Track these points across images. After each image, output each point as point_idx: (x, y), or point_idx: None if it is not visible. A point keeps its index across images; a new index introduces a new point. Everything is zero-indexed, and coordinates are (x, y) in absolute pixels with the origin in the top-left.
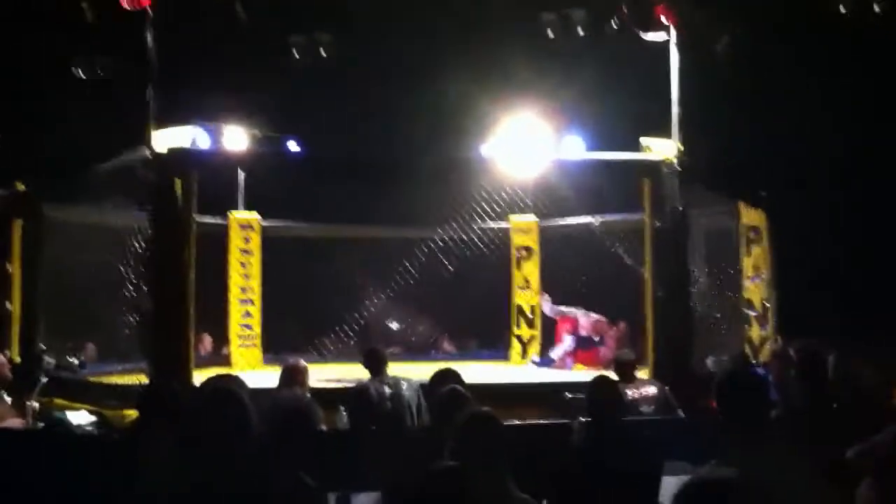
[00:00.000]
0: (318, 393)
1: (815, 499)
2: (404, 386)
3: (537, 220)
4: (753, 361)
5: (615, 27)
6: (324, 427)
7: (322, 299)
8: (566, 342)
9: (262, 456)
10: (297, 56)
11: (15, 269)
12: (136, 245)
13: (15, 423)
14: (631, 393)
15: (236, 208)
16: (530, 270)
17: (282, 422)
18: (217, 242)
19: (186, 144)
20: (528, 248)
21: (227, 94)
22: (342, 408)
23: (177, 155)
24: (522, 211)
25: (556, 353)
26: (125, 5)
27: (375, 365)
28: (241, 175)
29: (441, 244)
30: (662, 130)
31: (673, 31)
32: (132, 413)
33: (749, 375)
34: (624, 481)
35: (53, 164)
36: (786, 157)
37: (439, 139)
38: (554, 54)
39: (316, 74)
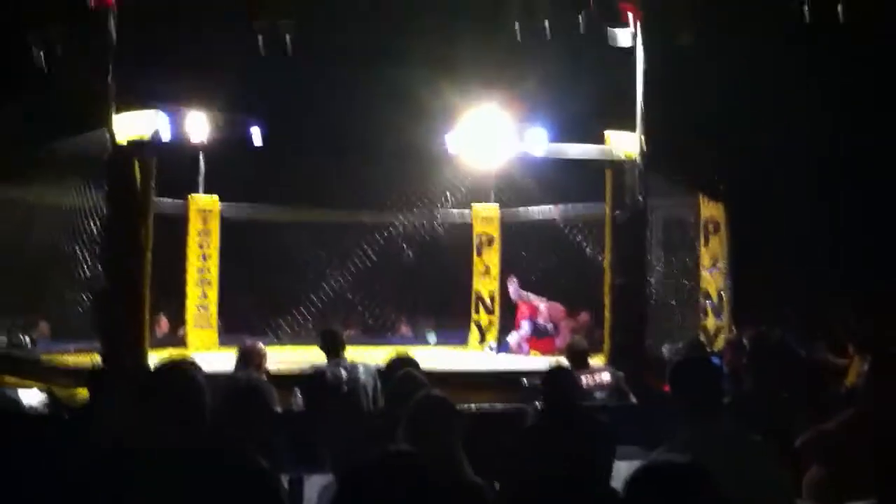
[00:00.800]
0: (274, 375)
1: (764, 484)
2: (361, 370)
3: (499, 208)
4: (708, 349)
5: (581, 20)
6: (279, 409)
7: (280, 282)
8: (523, 328)
9: (216, 436)
10: (260, 39)
11: None
12: (94, 225)
13: None
14: (586, 380)
15: (197, 191)
16: (491, 258)
17: (236, 402)
18: (176, 224)
19: (147, 130)
20: (489, 236)
21: (189, 76)
22: (297, 390)
23: (136, 139)
24: (485, 199)
25: (512, 340)
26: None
27: (332, 348)
28: (202, 158)
29: (402, 229)
30: (626, 124)
31: (638, 26)
32: (84, 392)
33: (703, 362)
34: (577, 466)
35: (9, 143)
36: (746, 150)
37: (403, 126)
38: (519, 46)
39: (278, 56)
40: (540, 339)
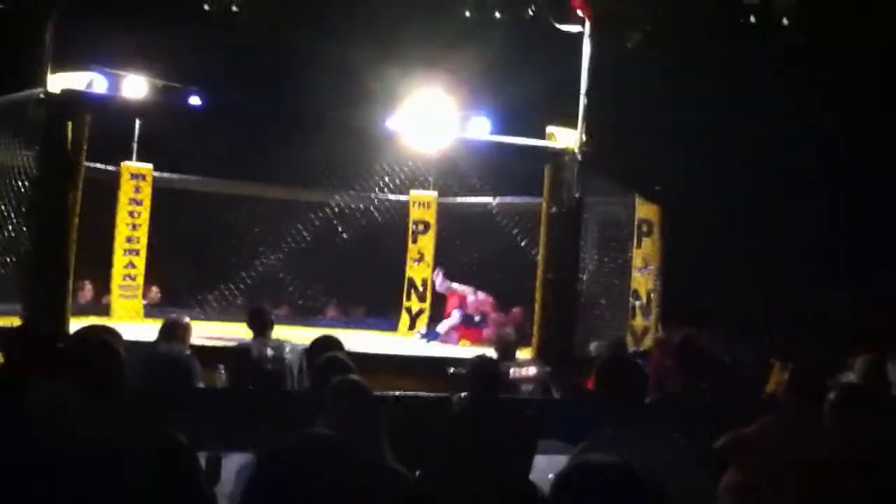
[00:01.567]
0: (199, 350)
1: (682, 483)
2: (287, 348)
3: (436, 196)
4: (634, 349)
5: (531, 14)
6: (201, 384)
7: (212, 256)
8: (454, 317)
9: (134, 409)
10: (207, 7)
11: None
12: (21, 185)
13: None
14: (513, 372)
15: (130, 159)
16: (425, 244)
17: (157, 374)
18: (107, 191)
19: (82, 86)
20: (425, 223)
21: (130, 42)
22: (221, 366)
23: (70, 96)
24: (423, 186)
25: (442, 328)
26: None
27: (260, 326)
28: (138, 125)
29: (337, 210)
30: (569, 119)
31: (587, 24)
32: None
33: (629, 362)
34: (497, 457)
35: None
36: (684, 152)
37: (346, 106)
38: (467, 34)
39: (222, 28)
40: (468, 328)
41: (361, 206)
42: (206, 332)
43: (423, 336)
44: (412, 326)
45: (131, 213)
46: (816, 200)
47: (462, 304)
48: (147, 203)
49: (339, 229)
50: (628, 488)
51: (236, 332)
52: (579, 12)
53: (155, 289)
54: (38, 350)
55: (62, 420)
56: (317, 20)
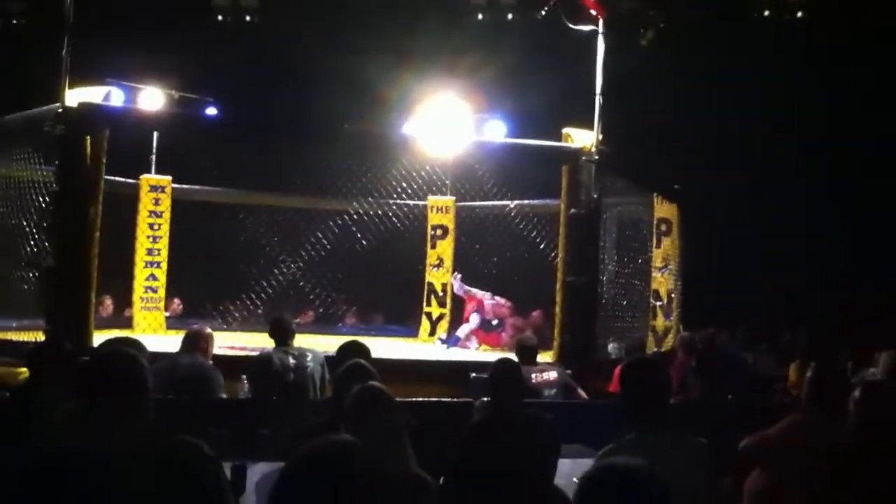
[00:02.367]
0: (221, 360)
1: (705, 486)
2: (309, 357)
3: (454, 200)
4: (656, 349)
5: (543, 14)
6: (224, 395)
7: (232, 267)
8: (472, 321)
9: (159, 421)
10: (220, 18)
11: None
12: (41, 200)
13: None
14: (535, 377)
15: (149, 172)
16: (444, 250)
17: (180, 386)
18: (127, 204)
19: (99, 99)
20: (443, 228)
21: (145, 55)
22: (244, 377)
23: (88, 110)
24: (440, 191)
25: (462, 332)
26: None
27: (281, 335)
28: (156, 138)
29: (355, 218)
30: (585, 120)
31: (600, 23)
32: (25, 371)
33: (652, 364)
34: (521, 462)
35: None
36: (704, 152)
37: (362, 114)
38: (481, 39)
39: (237, 38)
40: (487, 333)
41: (380, 212)
42: (228, 343)
43: (444, 342)
44: (433, 332)
45: (151, 226)
46: (833, 199)
47: (480, 308)
48: (167, 215)
49: (358, 236)
50: (652, 492)
51: (258, 342)
52: (592, 11)
53: (177, 301)
54: (62, 364)
55: (86, 433)
56: (330, 28)
